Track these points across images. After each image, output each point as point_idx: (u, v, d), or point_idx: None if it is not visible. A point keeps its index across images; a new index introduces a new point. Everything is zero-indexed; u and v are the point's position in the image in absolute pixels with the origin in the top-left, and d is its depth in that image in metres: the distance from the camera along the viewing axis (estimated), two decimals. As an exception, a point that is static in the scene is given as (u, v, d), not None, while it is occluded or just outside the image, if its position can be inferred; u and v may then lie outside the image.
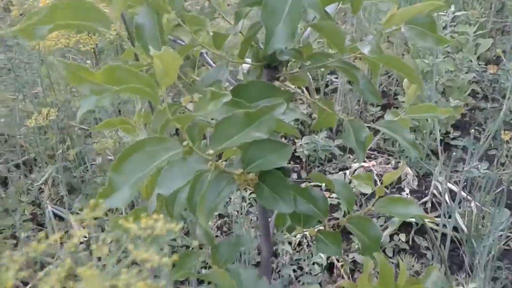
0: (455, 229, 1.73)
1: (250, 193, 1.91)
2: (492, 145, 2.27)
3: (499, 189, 1.87)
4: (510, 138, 2.19)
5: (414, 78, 0.59)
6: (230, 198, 1.86)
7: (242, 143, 0.48)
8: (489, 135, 1.68)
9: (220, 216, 1.94)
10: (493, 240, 1.40)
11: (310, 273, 1.66)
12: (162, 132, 0.45)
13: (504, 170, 2.03)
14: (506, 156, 2.08)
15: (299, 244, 1.77)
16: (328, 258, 1.73)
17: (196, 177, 0.53)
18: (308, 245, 1.82)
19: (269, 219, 0.78)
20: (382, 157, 2.23)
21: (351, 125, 0.71)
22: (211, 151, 0.51)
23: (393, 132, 0.74)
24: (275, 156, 0.58)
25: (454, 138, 2.33)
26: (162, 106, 0.43)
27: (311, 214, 0.68)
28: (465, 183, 1.94)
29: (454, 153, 2.00)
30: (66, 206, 1.92)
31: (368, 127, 0.70)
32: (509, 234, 1.79)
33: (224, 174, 0.59)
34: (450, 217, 1.67)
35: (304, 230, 0.74)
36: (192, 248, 0.74)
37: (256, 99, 0.58)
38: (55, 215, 1.89)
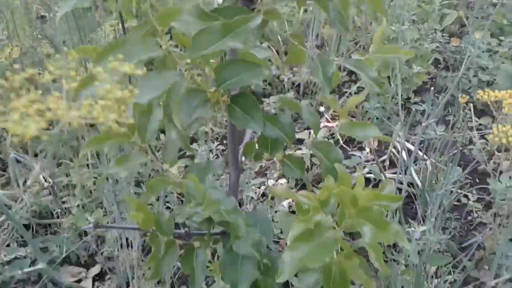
0: (411, 184, 1.83)
1: (217, 145, 1.95)
2: (450, 111, 2.38)
3: (453, 152, 1.98)
4: (466, 102, 2.30)
5: (380, 8, 0.63)
6: (197, 150, 1.89)
7: (218, 51, 0.51)
8: (447, 93, 1.76)
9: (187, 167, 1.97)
10: (445, 191, 1.50)
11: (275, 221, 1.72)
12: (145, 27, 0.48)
13: (459, 133, 2.13)
14: (463, 120, 2.19)
15: (263, 195, 1.84)
16: (290, 206, 1.80)
17: (172, 87, 0.56)
18: (272, 198, 1.89)
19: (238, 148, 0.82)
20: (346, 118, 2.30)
21: (320, 61, 0.75)
22: (188, 60, 0.53)
23: (359, 70, 0.78)
24: (249, 74, 0.61)
25: (415, 103, 2.42)
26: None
27: (279, 138, 0.72)
28: (422, 144, 2.04)
29: (414, 115, 2.09)
30: (30, 153, 1.91)
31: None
32: (459, 191, 1.91)
33: (198, 91, 0.62)
34: (406, 173, 1.76)
35: (271, 157, 0.78)
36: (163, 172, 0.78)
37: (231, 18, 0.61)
38: (18, 161, 1.87)
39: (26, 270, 1.18)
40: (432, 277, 1.52)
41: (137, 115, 0.73)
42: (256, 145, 0.79)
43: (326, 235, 0.53)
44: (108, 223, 1.70)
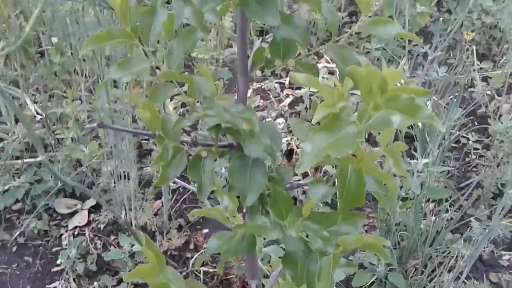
0: (410, 126, 1.81)
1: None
2: (452, 55, 2.34)
3: (455, 93, 1.95)
4: (468, 46, 2.25)
5: None
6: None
7: None
8: (450, 34, 1.71)
9: (183, 105, 1.93)
10: (445, 130, 1.47)
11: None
12: None
13: (461, 74, 2.10)
14: (464, 61, 2.15)
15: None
16: (288, 144, 1.78)
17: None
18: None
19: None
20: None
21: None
22: None
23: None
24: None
25: (416, 45, 2.36)
26: None
27: (292, 40, 0.68)
28: (423, 86, 2.00)
29: (417, 57, 2.04)
30: (22, 87, 1.84)
31: None
32: (459, 132, 1.90)
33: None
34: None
35: (282, 63, 0.74)
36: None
37: None
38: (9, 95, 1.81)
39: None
40: (431, 213, 1.52)
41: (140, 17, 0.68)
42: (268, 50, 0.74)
43: (348, 128, 0.50)
44: (104, 156, 1.67)
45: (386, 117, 0.48)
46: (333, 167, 1.65)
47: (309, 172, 1.73)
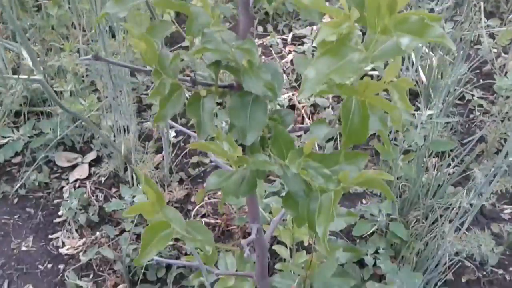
0: (415, 82, 1.78)
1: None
2: (459, 12, 2.28)
3: (461, 49, 1.91)
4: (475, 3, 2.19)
5: None
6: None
7: None
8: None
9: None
10: (450, 83, 1.45)
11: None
12: None
13: (468, 31, 2.05)
14: (471, 18, 2.10)
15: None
16: (290, 100, 1.76)
17: None
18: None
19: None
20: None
21: None
22: None
23: None
24: None
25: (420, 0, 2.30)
26: None
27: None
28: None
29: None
30: (18, 40, 1.80)
31: None
32: (463, 89, 1.87)
33: None
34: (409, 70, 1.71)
35: None
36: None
37: None
38: (6, 49, 1.78)
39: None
40: (433, 168, 1.51)
41: None
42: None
43: (353, 54, 0.48)
44: (103, 109, 1.65)
45: (394, 43, 0.46)
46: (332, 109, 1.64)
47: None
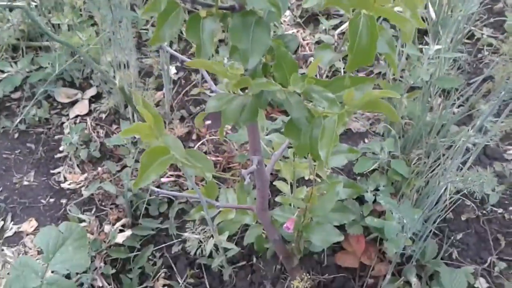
0: (424, 19, 1.72)
1: None
2: None
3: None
4: None
5: None
6: None
7: None
8: None
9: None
10: (460, 19, 1.39)
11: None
12: None
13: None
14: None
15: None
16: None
17: None
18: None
19: None
20: None
21: None
22: None
23: None
24: None
25: None
26: None
27: None
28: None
29: None
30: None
31: None
32: (473, 28, 1.81)
33: None
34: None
35: None
36: None
37: None
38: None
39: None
40: (438, 107, 1.49)
41: None
42: None
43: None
44: (102, 44, 1.60)
45: None
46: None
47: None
